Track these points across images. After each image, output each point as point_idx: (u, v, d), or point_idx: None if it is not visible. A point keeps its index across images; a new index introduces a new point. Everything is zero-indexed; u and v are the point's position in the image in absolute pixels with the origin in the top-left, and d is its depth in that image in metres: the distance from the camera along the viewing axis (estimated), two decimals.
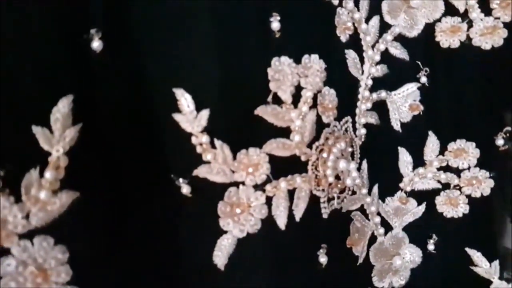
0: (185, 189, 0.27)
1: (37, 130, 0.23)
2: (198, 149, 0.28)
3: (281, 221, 0.30)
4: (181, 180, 0.27)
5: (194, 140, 0.28)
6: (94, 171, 0.25)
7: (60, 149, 0.23)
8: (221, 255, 0.28)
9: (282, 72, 0.29)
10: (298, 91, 0.30)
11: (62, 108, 0.23)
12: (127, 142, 0.27)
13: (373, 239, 0.37)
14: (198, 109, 0.27)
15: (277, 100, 0.29)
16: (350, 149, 0.34)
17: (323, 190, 0.32)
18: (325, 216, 0.32)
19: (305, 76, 0.30)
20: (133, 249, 0.27)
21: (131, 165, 0.27)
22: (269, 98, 0.29)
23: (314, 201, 0.31)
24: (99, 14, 0.25)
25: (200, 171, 0.28)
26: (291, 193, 0.30)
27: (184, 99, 0.27)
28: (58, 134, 0.23)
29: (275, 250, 0.30)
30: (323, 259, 0.32)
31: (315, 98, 0.31)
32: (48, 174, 0.23)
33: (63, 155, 0.23)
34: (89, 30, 0.25)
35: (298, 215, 0.30)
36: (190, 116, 0.27)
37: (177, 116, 0.27)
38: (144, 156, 0.27)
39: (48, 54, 0.24)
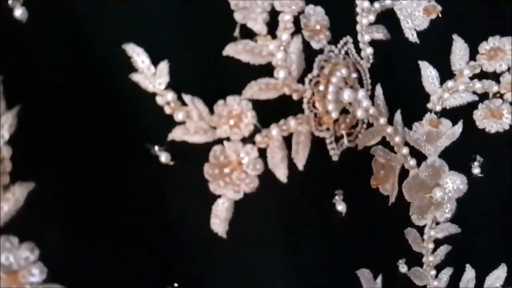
0: (164, 157, 0.25)
1: None
2: (167, 110, 0.25)
3: (281, 173, 0.26)
4: (156, 148, 0.25)
5: (159, 100, 0.24)
6: (47, 155, 0.22)
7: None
8: (219, 222, 0.26)
9: None
10: (273, 17, 0.25)
11: None
12: (83, 117, 0.24)
13: (404, 173, 0.33)
14: (155, 63, 0.24)
15: (248, 33, 0.25)
16: (355, 75, 0.29)
17: (327, 129, 0.28)
18: (335, 158, 0.28)
19: None
20: (116, 233, 0.24)
21: (94, 142, 0.24)
22: (236, 33, 0.25)
23: (318, 143, 0.27)
24: None
25: (176, 134, 0.25)
26: (288, 140, 0.26)
27: (136, 54, 0.24)
28: None
29: (281, 207, 0.27)
30: (340, 207, 0.28)
31: (297, 21, 0.26)
32: None
33: (4, 145, 0.21)
34: None
35: (300, 163, 0.27)
36: (147, 72, 0.24)
37: (134, 76, 0.24)
38: (107, 129, 0.24)
39: None
